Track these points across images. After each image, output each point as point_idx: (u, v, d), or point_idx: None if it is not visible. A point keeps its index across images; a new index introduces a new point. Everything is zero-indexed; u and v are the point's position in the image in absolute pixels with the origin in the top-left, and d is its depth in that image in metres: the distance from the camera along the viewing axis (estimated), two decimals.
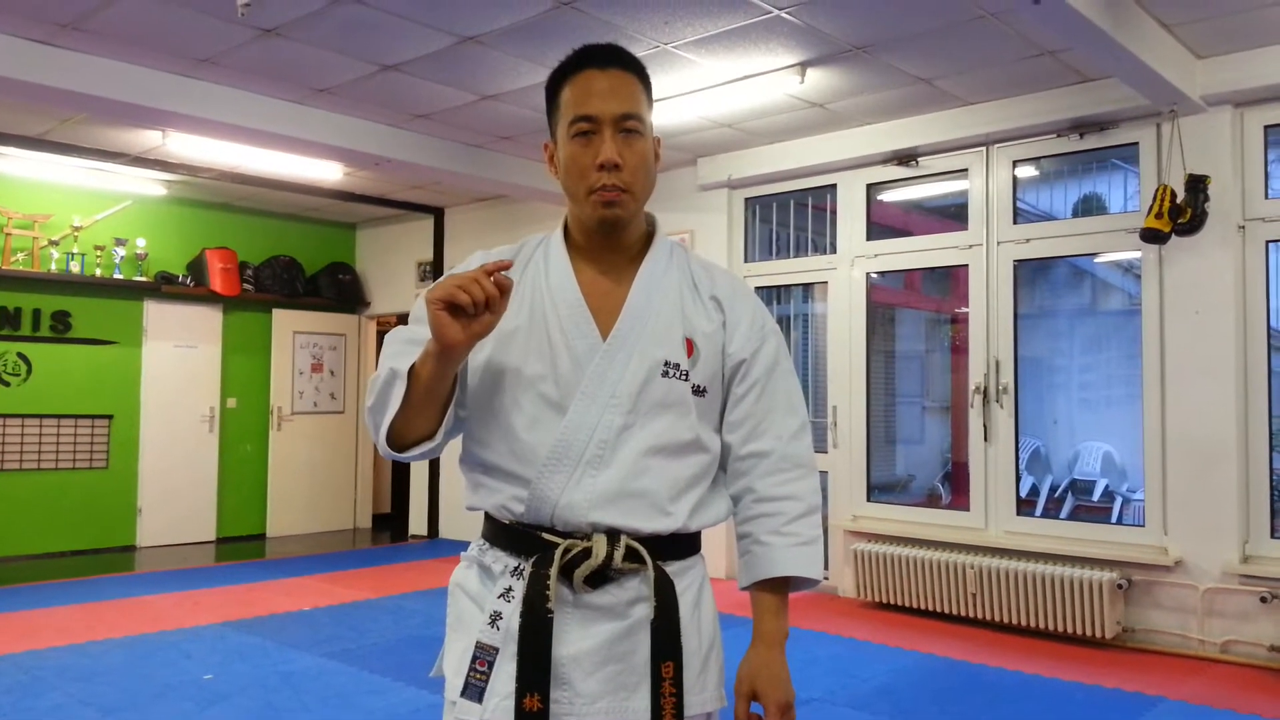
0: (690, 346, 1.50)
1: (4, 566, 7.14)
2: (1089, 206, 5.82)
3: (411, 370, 1.38)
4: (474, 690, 1.42)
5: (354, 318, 9.50)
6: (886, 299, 6.79)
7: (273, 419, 8.88)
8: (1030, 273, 5.93)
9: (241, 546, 8.32)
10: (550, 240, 1.57)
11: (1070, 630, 5.03)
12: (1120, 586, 4.96)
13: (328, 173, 7.23)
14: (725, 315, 1.55)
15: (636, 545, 1.43)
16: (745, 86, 5.20)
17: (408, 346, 1.45)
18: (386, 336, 1.53)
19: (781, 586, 1.52)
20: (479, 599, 1.48)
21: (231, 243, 8.62)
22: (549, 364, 1.46)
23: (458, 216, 8.68)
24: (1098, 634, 4.94)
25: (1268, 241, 4.86)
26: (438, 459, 8.56)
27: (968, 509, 5.74)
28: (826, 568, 6.25)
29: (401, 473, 9.33)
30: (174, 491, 8.21)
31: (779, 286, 6.80)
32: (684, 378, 1.48)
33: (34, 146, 6.57)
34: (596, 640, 1.42)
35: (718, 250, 6.77)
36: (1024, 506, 5.68)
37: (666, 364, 1.47)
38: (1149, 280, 5.13)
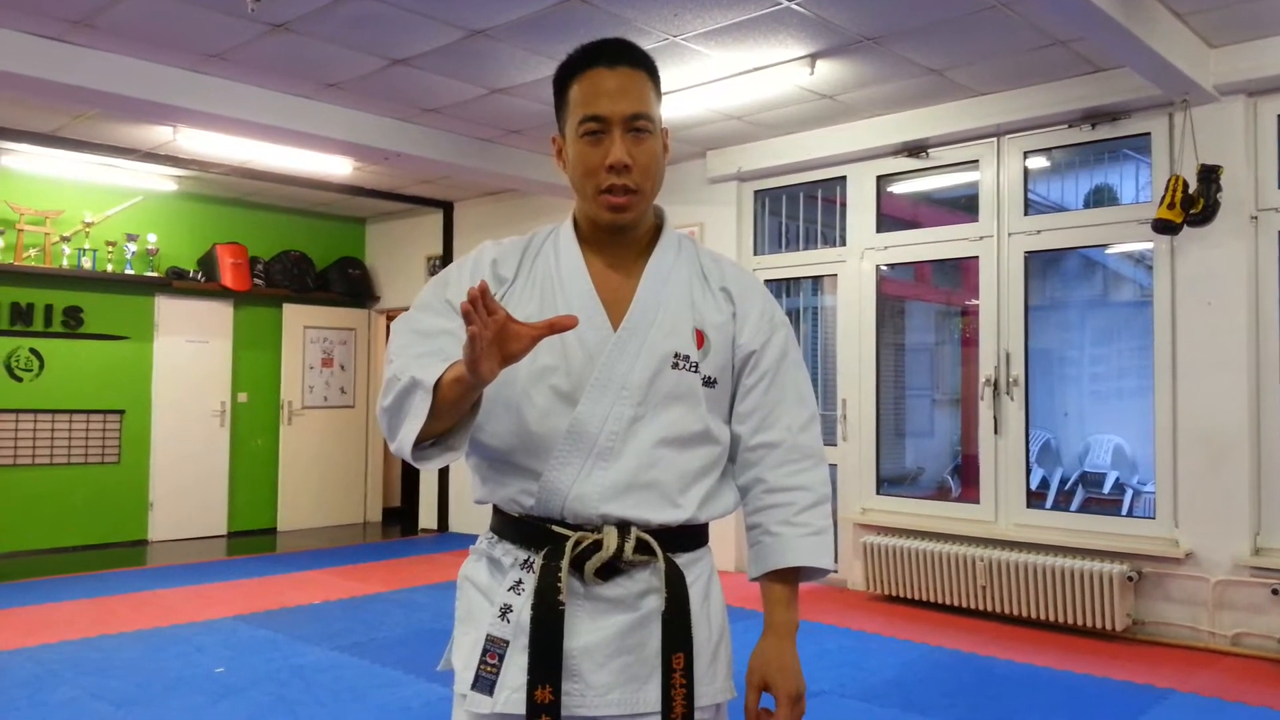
0: (700, 338, 1.51)
1: (16, 561, 7.19)
2: (1100, 197, 5.79)
3: (438, 383, 1.34)
4: (485, 683, 1.42)
5: (364, 312, 9.52)
6: (896, 291, 6.77)
7: (283, 413, 8.91)
8: (1041, 264, 5.90)
9: (252, 540, 8.36)
10: (559, 232, 1.57)
11: (1080, 623, 5.02)
12: (1130, 579, 4.95)
13: (337, 167, 7.24)
14: (735, 307, 1.55)
15: (647, 537, 1.43)
16: (755, 79, 5.19)
17: (418, 340, 1.45)
18: (394, 325, 1.53)
19: (792, 577, 1.52)
20: (488, 592, 1.48)
21: (242, 238, 8.64)
22: (560, 355, 1.45)
23: (467, 210, 8.68)
24: (1108, 626, 4.93)
25: None
26: None
27: (977, 501, 5.73)
28: (836, 560, 6.29)
29: (412, 467, 9.33)
30: (185, 486, 8.25)
31: (788, 279, 6.78)
32: (694, 369, 1.49)
33: (45, 143, 6.59)
34: (607, 632, 1.42)
35: (727, 243, 6.76)
36: (1034, 499, 5.66)
37: (676, 355, 1.47)
38: (1161, 271, 5.11)
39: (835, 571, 6.25)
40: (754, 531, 1.54)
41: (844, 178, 6.38)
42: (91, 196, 7.72)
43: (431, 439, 1.39)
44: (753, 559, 1.55)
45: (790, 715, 1.45)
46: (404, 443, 1.37)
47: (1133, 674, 4.39)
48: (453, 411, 1.35)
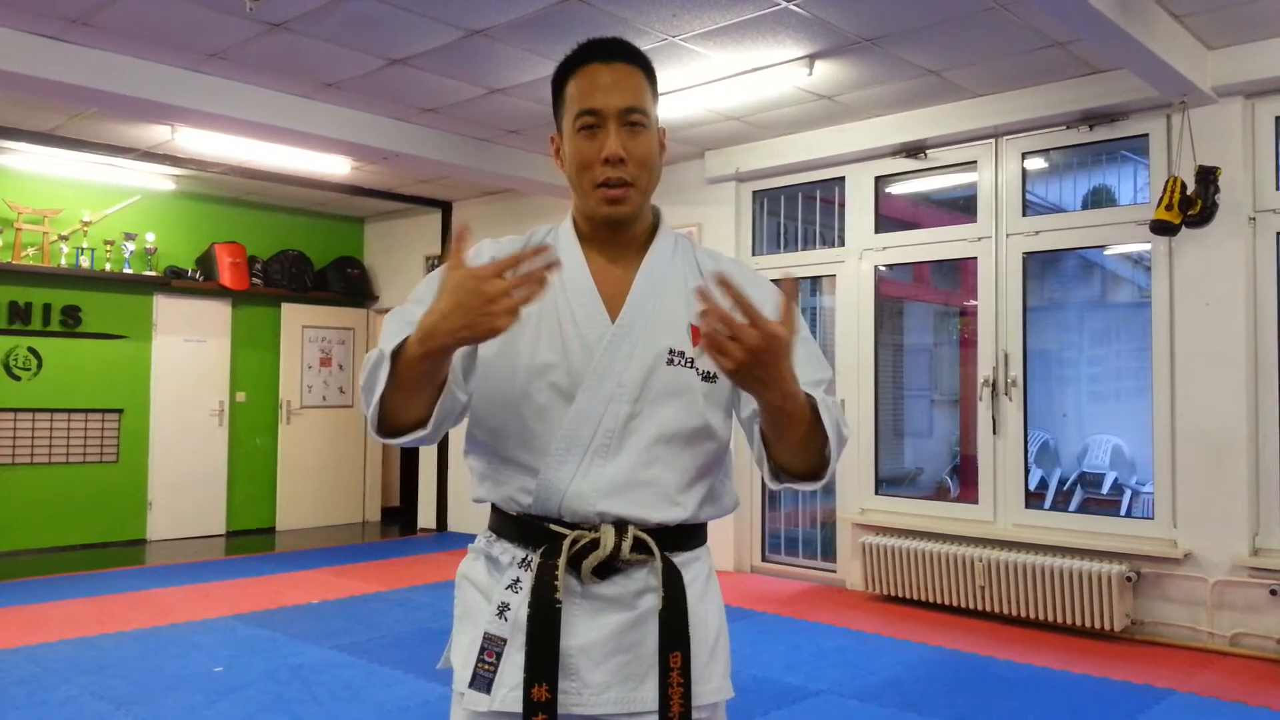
0: (696, 334, 1.50)
1: (15, 560, 7.18)
2: (1099, 198, 5.80)
3: (403, 350, 1.31)
4: (482, 681, 1.42)
5: (362, 312, 9.52)
6: (895, 292, 6.78)
7: (282, 413, 8.91)
8: (1039, 265, 5.91)
9: (251, 540, 8.36)
10: (559, 230, 1.57)
11: (1079, 623, 5.03)
12: (1129, 579, 4.95)
13: (336, 167, 7.24)
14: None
15: (644, 536, 1.43)
16: (753, 79, 5.19)
17: (405, 329, 1.45)
18: (386, 316, 1.53)
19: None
20: (486, 590, 1.48)
21: (240, 237, 8.64)
22: (560, 353, 1.45)
23: (465, 210, 8.69)
24: (1107, 627, 4.94)
25: (1278, 233, 4.84)
26: (446, 453, 8.59)
27: (976, 502, 5.73)
28: (834, 560, 6.30)
29: (410, 466, 9.36)
30: (184, 485, 8.25)
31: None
32: (689, 365, 1.48)
33: (43, 142, 6.59)
34: (605, 631, 1.42)
35: (725, 243, 6.76)
36: (1033, 499, 5.66)
37: (671, 352, 1.47)
38: (1159, 272, 5.11)
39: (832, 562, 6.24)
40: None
41: (842, 178, 6.38)
42: (89, 195, 7.72)
43: (413, 424, 1.38)
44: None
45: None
46: (370, 416, 1.37)
47: (1131, 674, 4.39)
48: (420, 380, 1.32)
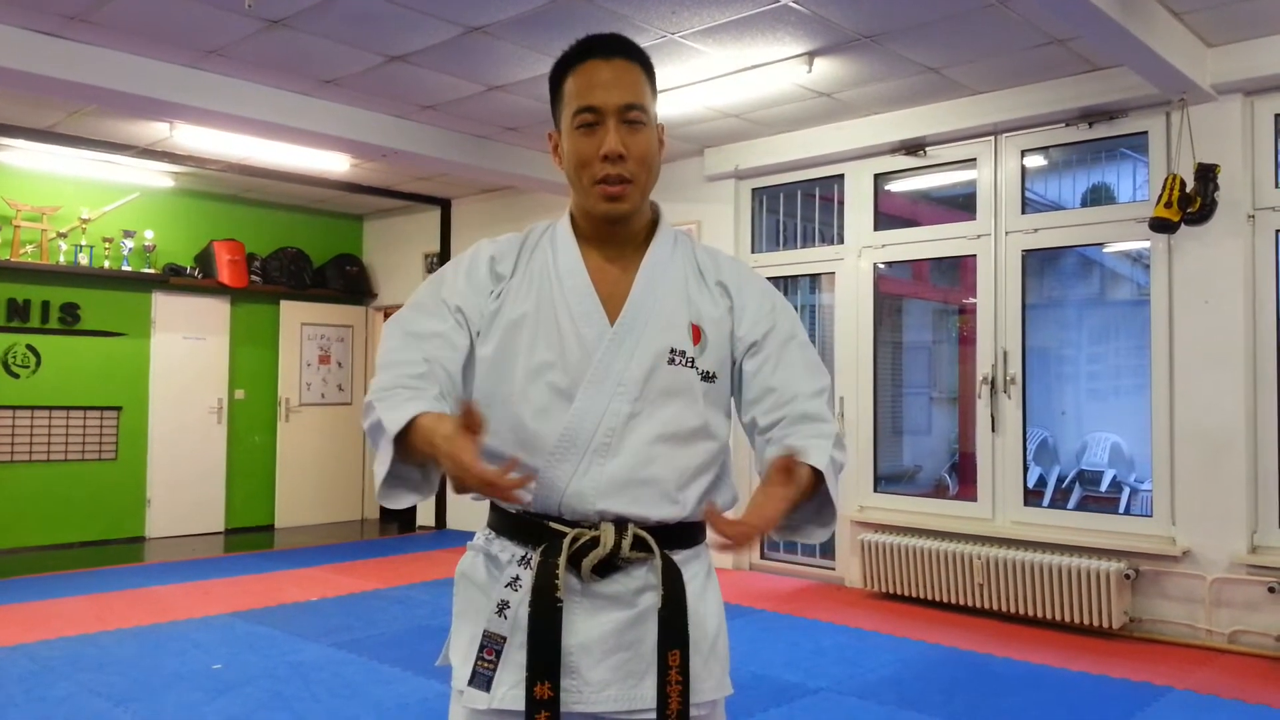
0: (697, 333, 1.50)
1: (14, 557, 7.18)
2: (1098, 196, 5.79)
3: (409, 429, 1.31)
4: (482, 679, 1.42)
5: (361, 309, 9.52)
6: (894, 289, 6.77)
7: (281, 410, 8.90)
8: (1039, 263, 5.91)
9: (250, 537, 8.36)
10: (557, 227, 1.57)
11: (1077, 620, 5.03)
12: (1128, 577, 4.96)
13: (335, 164, 7.23)
14: (733, 300, 1.54)
15: (644, 534, 1.43)
16: (752, 76, 5.18)
17: (410, 343, 1.44)
18: (387, 325, 1.53)
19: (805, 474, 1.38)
20: (486, 588, 1.48)
21: (239, 234, 8.63)
22: (557, 351, 1.45)
23: (464, 208, 8.68)
24: (1105, 624, 4.94)
25: (1278, 231, 4.84)
26: None
27: (975, 499, 5.73)
28: (834, 558, 6.30)
29: None
30: (183, 482, 8.25)
31: (786, 277, 6.78)
32: (690, 364, 1.48)
33: (42, 139, 6.58)
34: (605, 629, 1.43)
35: (725, 241, 6.76)
36: (1031, 497, 5.67)
37: (672, 351, 1.47)
38: (1158, 270, 5.11)
39: (833, 570, 6.24)
40: (770, 449, 1.45)
41: (842, 176, 6.38)
42: (88, 193, 7.71)
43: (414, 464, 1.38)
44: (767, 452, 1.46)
45: (737, 530, 1.28)
46: (376, 480, 1.37)
47: (1130, 671, 4.40)
48: (421, 455, 1.33)
